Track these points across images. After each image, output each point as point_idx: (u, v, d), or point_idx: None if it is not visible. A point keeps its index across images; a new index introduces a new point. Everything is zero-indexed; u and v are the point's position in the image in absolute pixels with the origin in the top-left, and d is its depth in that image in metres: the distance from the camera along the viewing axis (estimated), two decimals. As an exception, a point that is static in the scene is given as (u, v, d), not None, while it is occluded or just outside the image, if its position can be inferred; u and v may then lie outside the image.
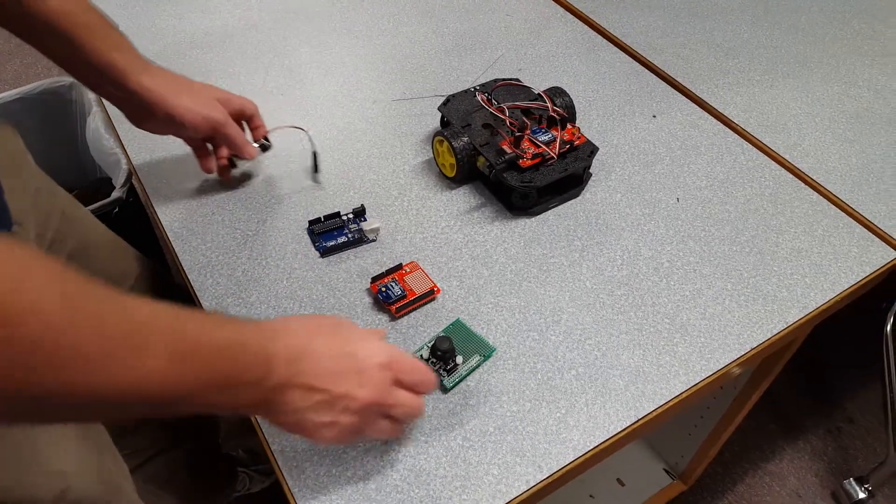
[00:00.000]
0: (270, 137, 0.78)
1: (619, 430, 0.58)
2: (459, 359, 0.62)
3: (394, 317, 0.66)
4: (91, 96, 1.24)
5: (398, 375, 0.52)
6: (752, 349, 0.64)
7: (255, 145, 0.76)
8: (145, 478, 0.99)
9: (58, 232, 0.72)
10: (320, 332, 0.50)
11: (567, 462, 0.56)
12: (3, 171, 0.61)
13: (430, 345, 0.63)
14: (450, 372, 0.61)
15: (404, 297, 0.66)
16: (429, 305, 0.68)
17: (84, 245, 0.76)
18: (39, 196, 0.70)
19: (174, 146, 0.82)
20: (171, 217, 0.75)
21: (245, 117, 0.77)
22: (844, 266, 0.71)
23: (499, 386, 0.61)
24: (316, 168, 0.79)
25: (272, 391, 0.46)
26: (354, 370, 0.49)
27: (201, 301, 0.67)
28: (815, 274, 0.70)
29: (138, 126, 0.71)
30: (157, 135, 0.73)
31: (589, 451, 0.57)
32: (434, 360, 0.62)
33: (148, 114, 0.68)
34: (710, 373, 0.62)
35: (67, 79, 1.28)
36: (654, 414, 0.59)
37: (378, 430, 0.52)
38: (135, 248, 0.87)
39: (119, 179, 1.12)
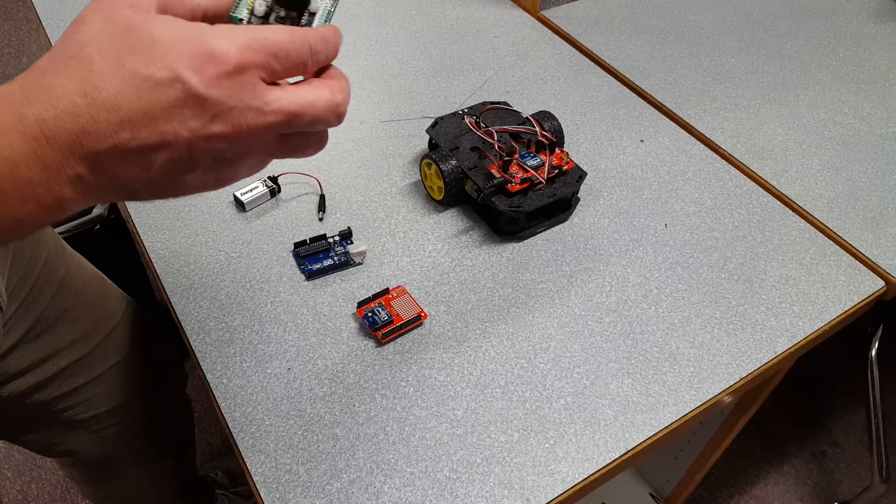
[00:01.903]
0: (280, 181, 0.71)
1: (609, 461, 0.57)
2: None
3: (380, 342, 0.65)
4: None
5: (262, 66, 0.33)
6: (742, 379, 0.63)
7: (263, 187, 0.69)
8: (121, 499, 0.97)
9: (38, 279, 0.70)
10: (94, 62, 0.31)
11: (556, 495, 0.55)
12: None
13: None
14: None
15: (391, 322, 0.65)
16: (416, 331, 0.67)
17: (66, 289, 0.74)
18: (22, 245, 0.68)
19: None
20: (154, 238, 0.74)
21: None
22: (832, 295, 0.71)
23: (486, 415, 0.60)
24: (322, 208, 0.78)
25: (79, 181, 0.32)
26: (180, 99, 0.31)
27: (183, 324, 0.66)
28: (803, 303, 0.70)
29: None
30: None
31: (578, 484, 0.56)
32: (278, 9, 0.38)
33: None
34: (700, 402, 0.61)
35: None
36: (644, 445, 0.58)
37: (286, 152, 0.37)
38: (117, 285, 0.86)
39: (101, 196, 1.10)
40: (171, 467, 1.02)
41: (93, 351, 0.78)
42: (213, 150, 0.33)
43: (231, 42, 0.31)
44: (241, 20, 0.37)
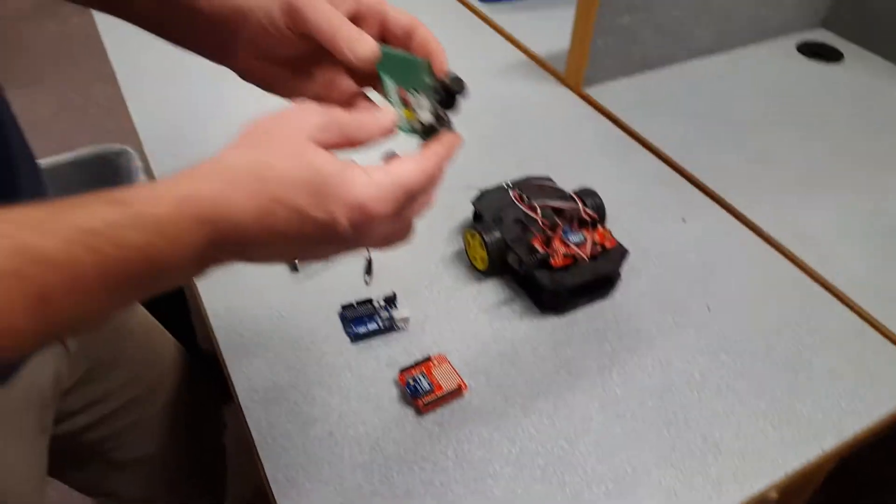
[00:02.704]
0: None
1: (650, 553, 0.56)
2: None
3: (420, 412, 0.65)
4: (138, 163, 1.27)
5: (398, 207, 0.42)
6: (787, 475, 0.62)
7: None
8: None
9: None
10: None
11: (596, 585, 0.54)
12: None
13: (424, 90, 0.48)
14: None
15: (432, 391, 0.66)
16: (455, 402, 0.67)
17: (121, 331, 0.76)
18: None
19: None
20: (211, 293, 0.76)
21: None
22: (881, 390, 0.70)
23: (525, 496, 0.60)
24: (369, 272, 0.79)
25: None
26: (331, 235, 0.40)
27: (234, 381, 0.67)
28: (851, 398, 0.69)
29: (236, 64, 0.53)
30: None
31: (618, 575, 0.55)
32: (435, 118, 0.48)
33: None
34: (744, 498, 0.60)
35: (118, 145, 1.32)
36: (687, 538, 0.58)
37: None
38: (169, 333, 0.88)
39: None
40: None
41: (142, 394, 0.80)
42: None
43: (381, 203, 0.40)
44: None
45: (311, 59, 0.50)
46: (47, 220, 0.33)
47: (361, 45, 0.45)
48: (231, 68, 0.54)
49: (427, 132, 0.48)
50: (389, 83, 0.49)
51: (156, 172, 0.91)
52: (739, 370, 0.71)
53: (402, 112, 0.49)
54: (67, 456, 0.76)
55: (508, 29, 1.28)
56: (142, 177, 1.23)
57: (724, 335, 0.74)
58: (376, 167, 0.41)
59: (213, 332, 0.72)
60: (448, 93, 0.47)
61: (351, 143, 0.43)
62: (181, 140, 0.97)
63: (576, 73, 1.11)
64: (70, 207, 0.34)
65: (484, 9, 1.35)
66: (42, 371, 0.67)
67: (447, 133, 0.48)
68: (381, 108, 0.46)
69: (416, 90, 0.48)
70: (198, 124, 1.00)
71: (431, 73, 0.46)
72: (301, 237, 0.39)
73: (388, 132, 0.45)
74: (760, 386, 0.70)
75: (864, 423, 0.67)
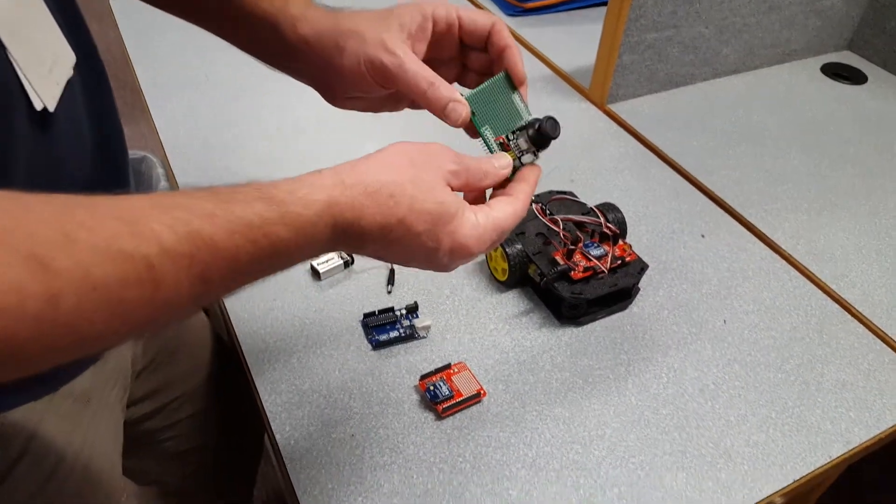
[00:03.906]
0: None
1: (660, 554, 0.58)
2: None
3: (440, 416, 0.68)
4: (160, 170, 1.31)
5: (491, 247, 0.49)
6: (795, 482, 0.64)
7: (339, 259, 0.69)
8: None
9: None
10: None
11: (606, 583, 0.56)
12: None
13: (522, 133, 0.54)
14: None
15: (451, 397, 0.68)
16: (474, 407, 0.69)
17: (183, 323, 0.80)
18: None
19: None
20: (235, 300, 0.79)
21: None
22: (890, 403, 0.72)
23: (540, 498, 0.62)
24: (391, 282, 0.82)
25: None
26: (432, 261, 0.47)
27: (257, 384, 0.70)
28: (860, 409, 0.71)
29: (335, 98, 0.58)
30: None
31: (628, 574, 0.57)
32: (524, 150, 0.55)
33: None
34: (753, 503, 0.62)
35: (140, 152, 1.35)
36: (695, 541, 0.59)
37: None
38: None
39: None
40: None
41: (197, 386, 0.83)
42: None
43: (479, 243, 0.47)
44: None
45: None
46: (215, 210, 0.37)
47: (456, 112, 0.52)
48: (323, 96, 0.59)
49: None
50: (488, 134, 0.55)
51: (178, 180, 0.95)
52: (752, 380, 0.73)
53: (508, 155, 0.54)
54: (126, 442, 0.80)
55: (534, 43, 1.31)
56: (164, 184, 1.26)
57: (738, 347, 0.76)
58: (482, 209, 0.48)
59: (236, 337, 0.75)
60: (542, 136, 0.53)
61: (472, 189, 0.50)
62: (203, 148, 1.01)
63: (601, 88, 1.13)
64: (233, 201, 0.38)
65: (510, 22, 1.38)
66: (124, 351, 0.71)
67: (532, 167, 0.53)
68: (499, 156, 0.52)
69: (513, 135, 0.54)
70: (220, 132, 1.03)
71: (520, 99, 0.55)
72: (406, 252, 0.45)
73: (505, 177, 0.52)
74: (772, 396, 0.71)
75: (871, 432, 0.68)
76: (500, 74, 0.54)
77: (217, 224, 0.37)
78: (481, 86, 0.53)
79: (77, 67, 0.48)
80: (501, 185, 0.54)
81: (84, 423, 0.64)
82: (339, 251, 0.45)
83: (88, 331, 0.32)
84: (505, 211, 0.49)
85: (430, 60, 0.53)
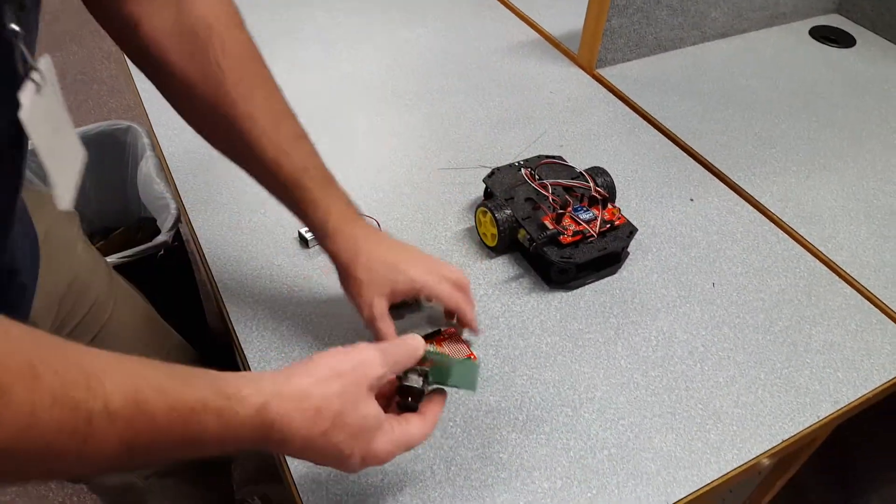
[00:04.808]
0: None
1: (650, 514, 0.59)
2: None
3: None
4: (146, 140, 1.29)
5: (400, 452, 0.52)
6: (784, 441, 0.64)
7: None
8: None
9: (81, 323, 0.75)
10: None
11: (597, 543, 0.57)
12: (45, 262, 0.66)
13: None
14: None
15: None
16: (465, 373, 0.69)
17: (111, 328, 0.78)
18: (71, 289, 0.73)
19: (230, 200, 0.86)
20: (222, 269, 0.78)
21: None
22: (877, 363, 0.72)
23: (531, 461, 0.62)
24: None
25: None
26: (344, 464, 0.50)
27: (246, 353, 0.70)
28: (848, 369, 0.71)
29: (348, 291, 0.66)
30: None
31: (618, 533, 0.58)
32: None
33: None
34: (742, 462, 0.62)
35: (125, 122, 1.33)
36: (685, 500, 0.60)
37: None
38: (173, 309, 0.89)
39: (166, 223, 1.15)
40: (208, 491, 1.05)
41: None
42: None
43: (388, 455, 0.50)
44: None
45: None
46: (167, 386, 0.40)
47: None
48: None
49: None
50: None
51: (164, 150, 0.94)
52: (741, 343, 0.73)
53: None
54: None
55: (522, 7, 1.29)
56: (150, 153, 1.25)
57: (727, 310, 0.76)
58: (399, 423, 0.52)
59: (224, 306, 0.74)
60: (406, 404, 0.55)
61: (397, 371, 0.53)
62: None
63: (589, 53, 1.12)
64: (187, 383, 0.41)
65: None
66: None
67: (440, 394, 0.56)
68: (413, 337, 0.55)
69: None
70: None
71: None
72: (321, 458, 0.49)
73: (419, 357, 0.54)
74: (760, 358, 0.72)
75: (858, 392, 0.69)
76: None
77: (163, 400, 0.39)
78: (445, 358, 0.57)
79: None
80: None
81: None
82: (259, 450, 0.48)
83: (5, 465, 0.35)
84: (419, 429, 0.52)
85: None
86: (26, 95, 0.45)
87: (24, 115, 0.44)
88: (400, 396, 0.54)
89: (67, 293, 0.72)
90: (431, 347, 0.60)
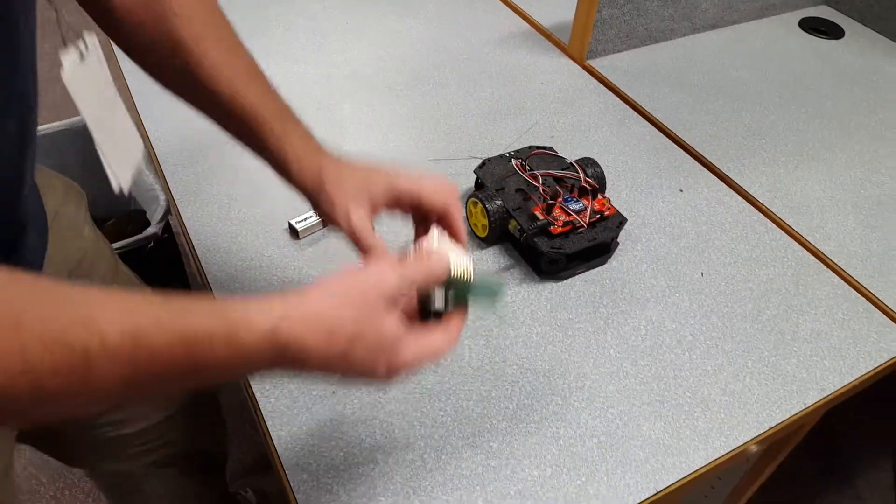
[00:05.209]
0: None
1: (638, 501, 0.59)
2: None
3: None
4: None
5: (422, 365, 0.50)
6: (771, 428, 0.65)
7: (316, 216, 0.68)
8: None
9: None
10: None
11: (586, 529, 0.57)
12: (54, 240, 0.65)
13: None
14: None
15: None
16: (455, 363, 0.69)
17: None
18: (80, 266, 0.73)
19: (220, 192, 0.86)
20: (211, 260, 0.78)
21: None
22: (863, 351, 0.73)
23: (521, 449, 0.63)
24: None
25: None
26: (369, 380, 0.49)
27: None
28: (834, 357, 0.72)
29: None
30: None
31: (607, 520, 0.58)
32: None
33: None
34: (729, 449, 0.63)
35: (113, 114, 1.33)
36: (673, 487, 0.60)
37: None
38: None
39: (155, 215, 1.15)
40: (203, 482, 1.05)
41: None
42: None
43: (414, 364, 0.48)
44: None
45: None
46: (164, 316, 0.39)
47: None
48: None
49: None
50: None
51: (153, 142, 0.93)
52: (729, 331, 0.74)
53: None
54: (49, 430, 0.79)
55: None
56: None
57: (715, 299, 0.77)
58: (422, 333, 0.49)
59: (214, 297, 0.74)
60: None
61: (415, 289, 0.51)
62: (178, 106, 0.98)
63: (580, 44, 1.12)
64: (186, 311, 0.40)
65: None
66: None
67: (461, 311, 0.54)
68: (439, 252, 0.53)
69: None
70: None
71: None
72: (346, 375, 0.47)
73: (445, 276, 0.51)
74: (748, 346, 0.72)
75: (845, 379, 0.70)
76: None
77: (162, 330, 0.38)
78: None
79: None
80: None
81: None
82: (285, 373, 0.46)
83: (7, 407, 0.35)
84: (442, 340, 0.50)
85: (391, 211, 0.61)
86: (68, 59, 0.44)
87: (66, 76, 0.44)
88: (420, 313, 0.53)
89: (76, 269, 0.72)
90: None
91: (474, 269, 0.53)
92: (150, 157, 0.93)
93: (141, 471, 0.90)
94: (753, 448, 0.65)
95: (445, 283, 0.52)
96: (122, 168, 0.50)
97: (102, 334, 0.36)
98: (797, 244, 0.85)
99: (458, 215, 0.58)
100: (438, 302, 0.52)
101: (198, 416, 0.98)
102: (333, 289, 0.46)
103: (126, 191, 0.49)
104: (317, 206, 0.60)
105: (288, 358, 0.43)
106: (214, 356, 0.40)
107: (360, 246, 0.58)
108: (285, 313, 0.43)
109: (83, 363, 0.35)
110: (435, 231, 0.58)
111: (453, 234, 0.59)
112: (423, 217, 0.60)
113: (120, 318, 0.37)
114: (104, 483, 0.98)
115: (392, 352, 0.47)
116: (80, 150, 1.32)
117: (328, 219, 0.59)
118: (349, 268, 0.48)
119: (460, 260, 0.53)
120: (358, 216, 0.58)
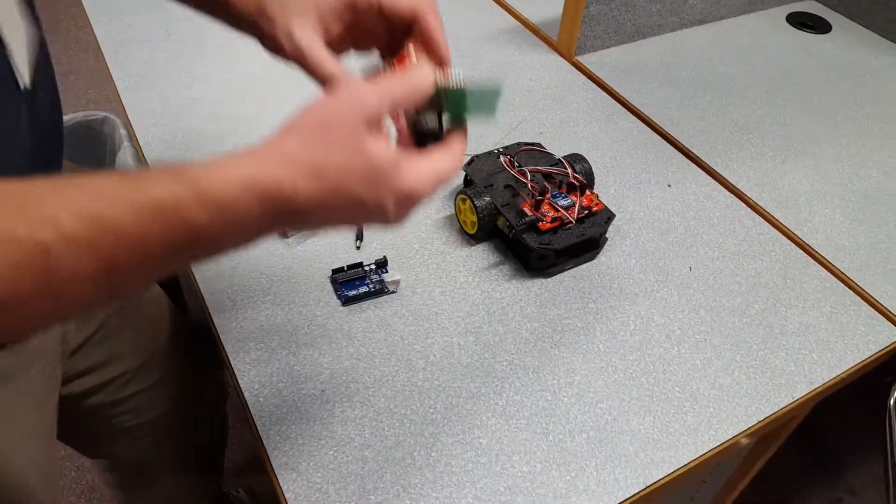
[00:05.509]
0: None
1: (628, 496, 0.59)
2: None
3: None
4: (122, 132, 1.28)
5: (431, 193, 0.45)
6: (759, 422, 0.65)
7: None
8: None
9: None
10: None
11: (575, 525, 0.57)
12: None
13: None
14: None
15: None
16: (445, 360, 0.69)
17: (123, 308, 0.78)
18: None
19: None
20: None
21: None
22: (851, 343, 0.73)
23: (510, 445, 0.63)
24: (360, 237, 0.81)
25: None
26: (375, 216, 0.44)
27: (224, 343, 0.69)
28: (822, 350, 0.72)
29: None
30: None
31: (597, 515, 0.58)
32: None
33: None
34: (719, 443, 0.63)
35: (101, 113, 1.32)
36: (663, 482, 0.61)
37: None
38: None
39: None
40: (202, 480, 1.05)
41: (146, 361, 0.82)
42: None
43: (424, 186, 0.44)
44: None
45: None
46: (120, 191, 0.35)
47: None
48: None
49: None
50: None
51: (140, 139, 0.93)
52: (717, 326, 0.74)
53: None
54: (70, 417, 0.79)
55: (501, -4, 1.29)
56: (127, 144, 1.24)
57: (704, 293, 0.77)
58: (421, 156, 0.45)
59: (202, 296, 0.74)
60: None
61: (399, 107, 0.46)
62: (166, 107, 0.98)
63: (568, 40, 1.12)
64: (141, 180, 0.36)
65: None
66: (49, 332, 0.69)
67: (459, 131, 0.49)
68: (420, 65, 0.48)
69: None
70: (182, 91, 1.01)
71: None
72: (353, 216, 0.43)
73: (430, 89, 0.46)
74: (737, 340, 0.73)
75: (833, 372, 0.70)
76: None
77: (120, 206, 0.34)
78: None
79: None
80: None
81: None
82: (290, 228, 0.42)
83: None
84: (444, 160, 0.46)
85: (354, 36, 0.54)
86: None
87: None
88: (415, 141, 0.48)
89: None
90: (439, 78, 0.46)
91: (461, 76, 0.48)
92: (139, 155, 0.93)
93: (156, 461, 0.91)
94: (743, 441, 0.65)
95: (435, 98, 0.46)
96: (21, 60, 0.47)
97: (56, 222, 0.33)
98: (785, 238, 0.85)
99: (433, 20, 0.51)
100: (431, 121, 0.47)
101: (202, 413, 0.98)
102: (306, 123, 0.42)
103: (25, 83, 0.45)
104: (262, 37, 0.53)
105: (279, 207, 0.39)
106: (190, 222, 0.36)
107: (317, 73, 0.51)
108: (260, 158, 0.39)
109: (42, 257, 0.32)
110: (410, 46, 0.51)
111: (430, 46, 0.52)
112: (391, 32, 0.53)
113: (67, 202, 0.33)
114: (116, 477, 0.98)
115: (392, 177, 0.42)
116: (69, 149, 1.30)
117: (274, 48, 0.52)
118: (318, 97, 0.43)
119: (445, 70, 0.47)
120: (303, 33, 0.50)
